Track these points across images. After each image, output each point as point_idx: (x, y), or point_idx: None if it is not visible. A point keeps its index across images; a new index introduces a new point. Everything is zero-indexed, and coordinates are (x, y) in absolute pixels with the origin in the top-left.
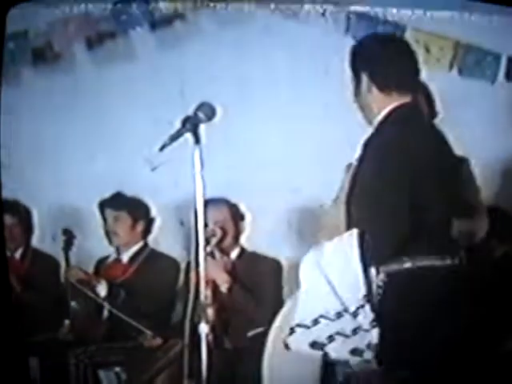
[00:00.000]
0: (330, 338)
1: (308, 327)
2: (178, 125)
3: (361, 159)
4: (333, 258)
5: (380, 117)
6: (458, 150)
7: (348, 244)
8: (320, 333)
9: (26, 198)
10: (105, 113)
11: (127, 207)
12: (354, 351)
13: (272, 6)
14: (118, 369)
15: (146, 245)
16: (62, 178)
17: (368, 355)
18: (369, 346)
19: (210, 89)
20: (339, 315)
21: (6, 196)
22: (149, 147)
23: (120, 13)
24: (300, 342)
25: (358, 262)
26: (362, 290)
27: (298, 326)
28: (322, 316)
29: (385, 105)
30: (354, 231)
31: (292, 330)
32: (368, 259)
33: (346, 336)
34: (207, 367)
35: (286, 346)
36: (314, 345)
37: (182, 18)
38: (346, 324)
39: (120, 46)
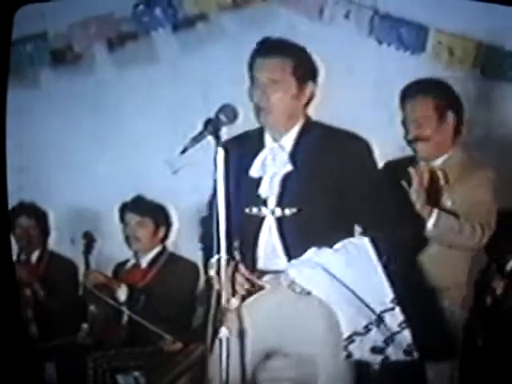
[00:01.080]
0: (387, 342)
1: (363, 334)
2: (199, 127)
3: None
4: (348, 266)
5: (298, 126)
6: (481, 151)
7: (361, 250)
8: (376, 337)
9: (43, 200)
10: (125, 115)
11: (151, 213)
12: (407, 352)
13: (295, 6)
14: (136, 373)
15: (164, 248)
16: (80, 180)
17: (416, 355)
18: (410, 345)
19: (232, 91)
20: (378, 322)
21: (24, 198)
22: (170, 150)
23: (142, 14)
24: (361, 349)
25: (380, 266)
26: (390, 294)
27: (356, 334)
28: (370, 323)
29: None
30: (365, 238)
31: (351, 339)
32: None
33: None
34: (227, 371)
35: (349, 355)
36: (374, 350)
37: (205, 20)
38: (384, 331)
39: (141, 47)
